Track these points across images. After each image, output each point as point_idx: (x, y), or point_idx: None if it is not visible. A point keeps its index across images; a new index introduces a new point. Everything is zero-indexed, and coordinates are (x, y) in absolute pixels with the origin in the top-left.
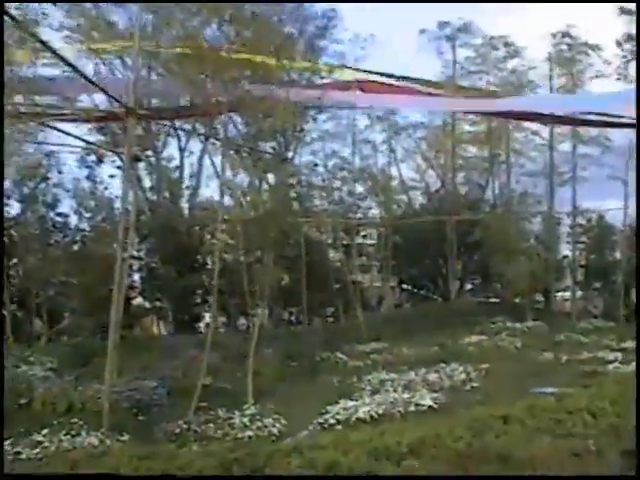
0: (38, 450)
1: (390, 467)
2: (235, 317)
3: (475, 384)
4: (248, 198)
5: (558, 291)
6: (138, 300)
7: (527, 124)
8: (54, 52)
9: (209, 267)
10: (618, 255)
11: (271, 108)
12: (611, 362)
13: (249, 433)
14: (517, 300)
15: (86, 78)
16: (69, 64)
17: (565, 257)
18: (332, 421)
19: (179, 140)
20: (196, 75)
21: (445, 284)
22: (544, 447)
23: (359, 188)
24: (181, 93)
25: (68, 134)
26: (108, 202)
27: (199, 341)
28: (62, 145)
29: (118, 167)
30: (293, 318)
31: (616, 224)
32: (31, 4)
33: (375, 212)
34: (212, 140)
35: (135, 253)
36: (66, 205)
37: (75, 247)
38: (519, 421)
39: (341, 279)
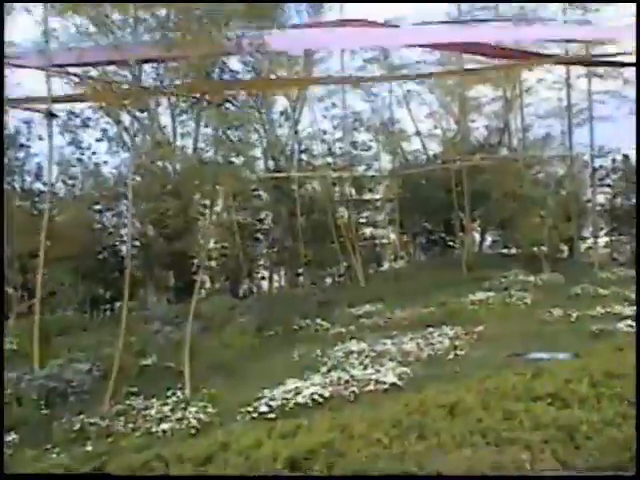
0: None
1: None
2: (236, 282)
3: (460, 352)
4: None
5: (582, 239)
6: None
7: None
8: None
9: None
10: None
11: None
12: (626, 318)
13: (165, 426)
14: (536, 250)
15: None
16: None
17: (588, 201)
18: (263, 409)
19: (169, 99)
20: None
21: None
22: (459, 463)
23: (364, 137)
24: None
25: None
26: (94, 168)
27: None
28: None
29: (103, 130)
30: (301, 279)
31: None
32: None
33: (382, 164)
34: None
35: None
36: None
37: (60, 218)
38: (465, 414)
39: (347, 236)
